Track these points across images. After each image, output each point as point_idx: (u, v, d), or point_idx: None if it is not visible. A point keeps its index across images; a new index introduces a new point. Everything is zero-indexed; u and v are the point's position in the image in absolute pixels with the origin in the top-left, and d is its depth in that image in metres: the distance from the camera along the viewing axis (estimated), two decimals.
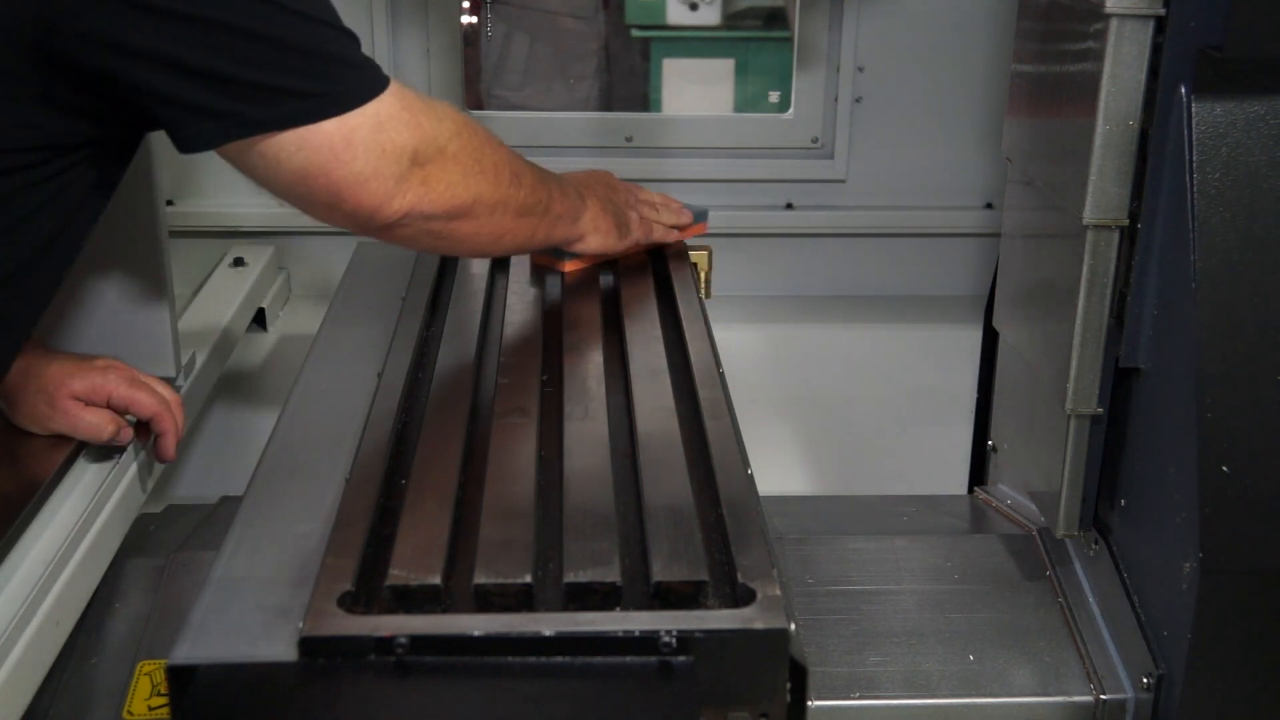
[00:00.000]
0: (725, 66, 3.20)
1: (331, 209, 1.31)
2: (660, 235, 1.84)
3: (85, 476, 1.58)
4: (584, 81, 3.83)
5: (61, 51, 1.18)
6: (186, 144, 1.26)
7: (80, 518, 1.52)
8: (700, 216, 1.91)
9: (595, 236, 1.70)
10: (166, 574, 1.64)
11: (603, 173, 1.83)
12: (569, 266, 1.78)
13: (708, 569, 1.11)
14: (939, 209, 2.58)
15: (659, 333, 1.60)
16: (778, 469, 2.45)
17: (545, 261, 1.81)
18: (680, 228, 1.88)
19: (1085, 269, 1.52)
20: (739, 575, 1.10)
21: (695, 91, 3.30)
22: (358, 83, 1.28)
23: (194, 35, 1.18)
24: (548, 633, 1.04)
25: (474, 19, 3.45)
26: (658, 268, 1.82)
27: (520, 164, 1.51)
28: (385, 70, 1.33)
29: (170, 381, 1.74)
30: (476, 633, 1.04)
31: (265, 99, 1.22)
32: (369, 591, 1.10)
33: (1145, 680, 1.51)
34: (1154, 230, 1.49)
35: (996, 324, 1.92)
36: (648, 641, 1.03)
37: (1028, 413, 1.79)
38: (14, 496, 1.47)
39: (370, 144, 1.27)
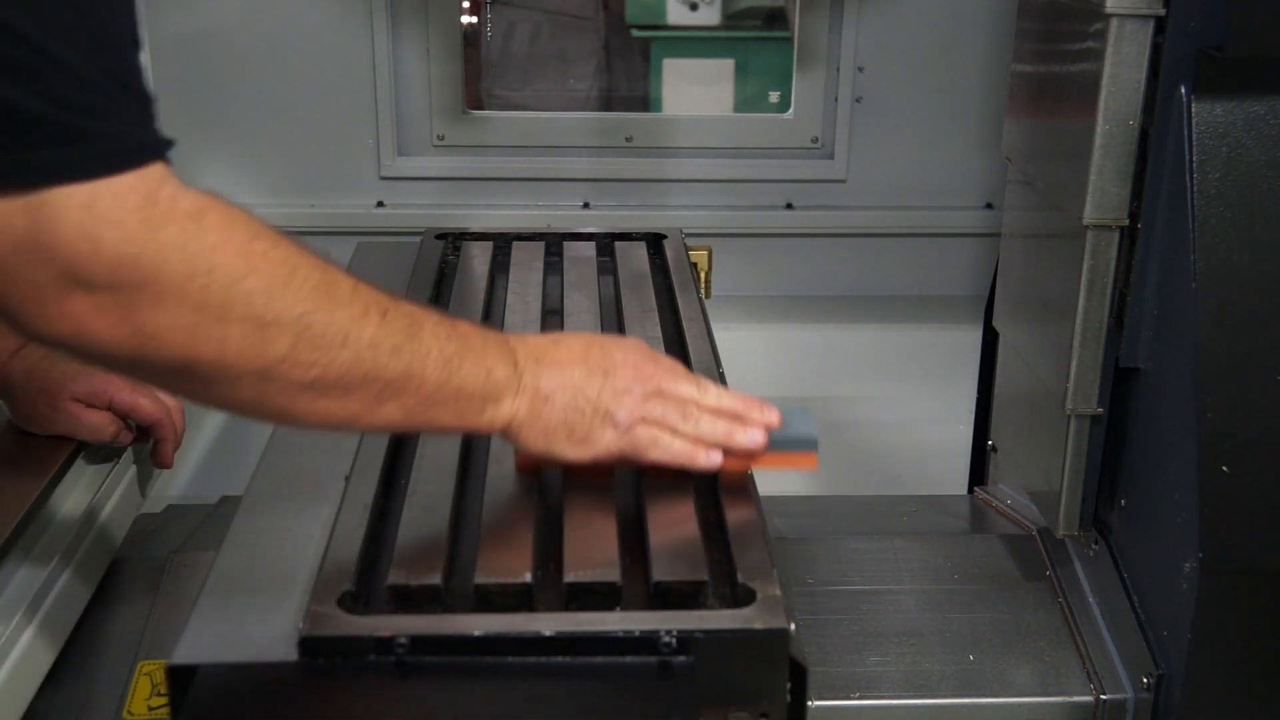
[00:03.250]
0: (725, 66, 3.20)
1: None
2: (671, 456, 1.23)
3: (85, 476, 1.58)
4: (584, 81, 3.83)
5: None
6: None
7: (80, 518, 1.52)
8: (804, 443, 1.29)
9: (525, 433, 1.19)
10: (166, 574, 1.64)
11: (623, 343, 1.26)
12: (519, 457, 1.27)
13: (708, 569, 1.12)
14: (939, 209, 2.59)
15: (659, 333, 1.60)
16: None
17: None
18: (739, 452, 1.25)
19: (1085, 269, 1.52)
20: (739, 575, 1.11)
21: (695, 91, 3.30)
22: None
23: None
24: (548, 633, 1.04)
25: (474, 19, 3.45)
26: (658, 268, 1.82)
27: (346, 322, 1.04)
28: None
29: None
30: (476, 633, 1.04)
31: None
32: (369, 591, 1.10)
33: (1145, 680, 1.51)
34: (1154, 230, 1.49)
35: (996, 324, 1.92)
36: (648, 641, 1.03)
37: (1028, 413, 1.79)
38: (14, 496, 1.47)
39: (21, 241, 0.90)
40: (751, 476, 1.28)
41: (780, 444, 1.27)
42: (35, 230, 0.90)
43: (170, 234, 0.94)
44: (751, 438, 1.25)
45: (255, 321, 0.98)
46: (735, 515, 1.20)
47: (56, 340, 0.95)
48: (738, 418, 1.26)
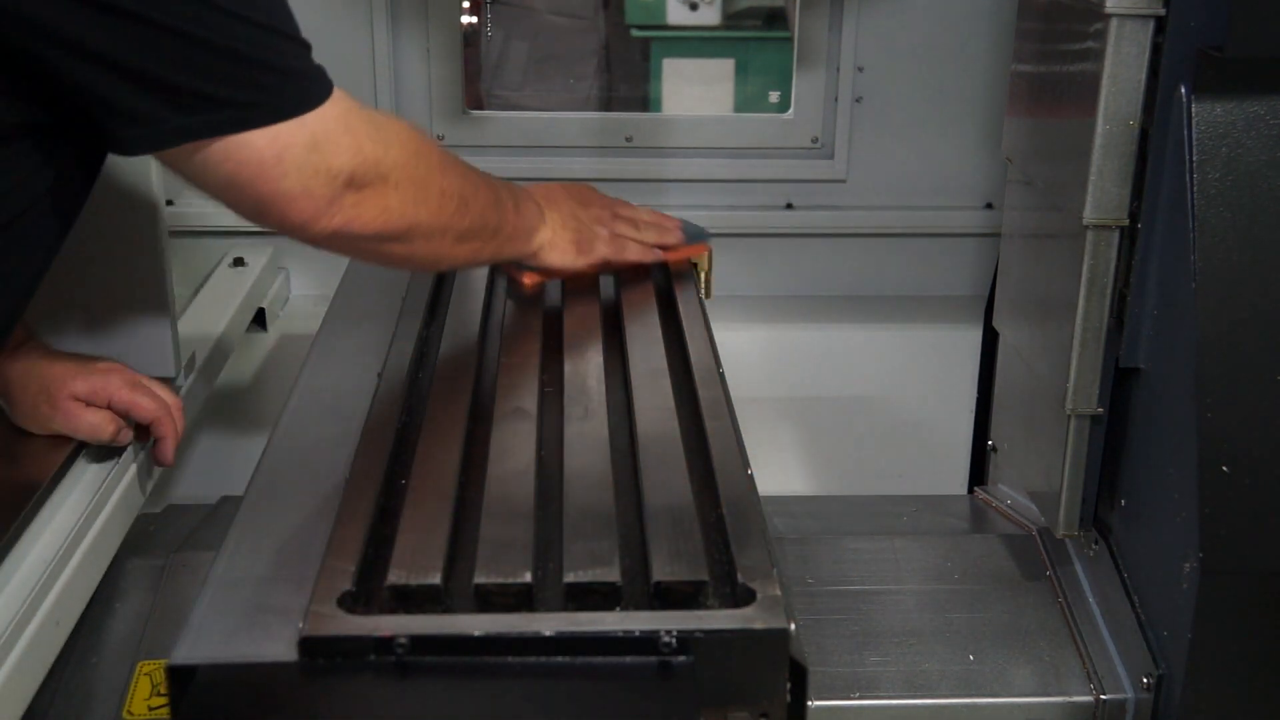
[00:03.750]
0: (725, 66, 3.20)
1: (258, 217, 1.26)
2: (636, 254, 1.74)
3: (85, 476, 1.58)
4: (584, 81, 3.82)
5: None
6: (116, 146, 1.22)
7: (80, 518, 1.52)
8: (696, 236, 1.82)
9: (551, 253, 1.64)
10: (166, 574, 1.65)
11: (581, 187, 1.78)
12: (527, 279, 1.70)
13: (708, 569, 1.11)
14: (939, 209, 2.59)
15: (659, 333, 1.60)
16: (778, 469, 2.45)
17: (507, 270, 1.75)
18: (666, 247, 1.78)
19: (1085, 269, 1.52)
20: (739, 575, 1.10)
21: (695, 91, 3.30)
22: (290, 93, 1.21)
23: (121, 31, 1.12)
24: (548, 633, 1.04)
25: (474, 19, 3.45)
26: (658, 268, 1.82)
27: (472, 187, 1.45)
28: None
29: (170, 381, 1.74)
30: (476, 633, 1.04)
31: (189, 105, 1.16)
32: (369, 591, 1.10)
33: (1145, 680, 1.51)
34: (1154, 230, 1.49)
35: (996, 324, 1.92)
36: (648, 641, 1.03)
37: (1028, 413, 1.79)
38: (14, 496, 1.47)
39: (303, 163, 1.22)
40: (751, 477, 1.28)
41: (688, 239, 1.81)
42: (314, 153, 1.21)
43: (389, 135, 1.30)
44: (675, 236, 1.79)
45: (454, 194, 1.40)
46: (735, 515, 1.20)
47: (329, 235, 1.27)
48: (661, 225, 1.79)
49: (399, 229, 1.34)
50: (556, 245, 1.64)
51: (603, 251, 1.70)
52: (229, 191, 1.23)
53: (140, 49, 1.13)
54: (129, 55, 1.13)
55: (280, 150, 1.20)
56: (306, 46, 1.25)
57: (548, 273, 1.69)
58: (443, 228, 1.40)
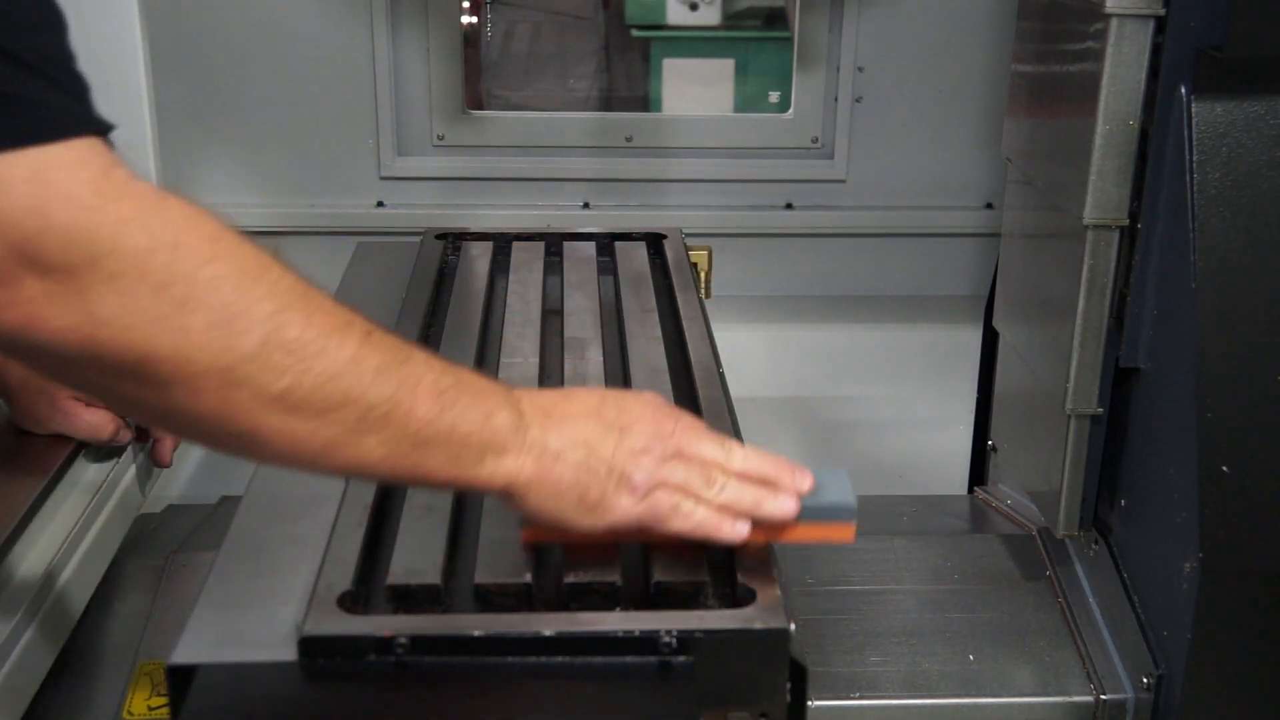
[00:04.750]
0: (725, 66, 3.20)
1: None
2: (696, 524, 1.08)
3: (85, 476, 1.58)
4: (584, 81, 3.82)
5: None
6: None
7: (80, 518, 1.52)
8: (841, 513, 1.15)
9: (532, 495, 1.06)
10: (166, 574, 1.64)
11: (641, 398, 1.13)
12: (524, 536, 1.13)
13: (708, 569, 1.11)
14: (939, 209, 2.59)
15: (659, 333, 1.60)
16: None
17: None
18: (768, 522, 1.11)
19: (1085, 269, 1.52)
20: (739, 575, 1.10)
21: (695, 91, 3.30)
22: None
23: None
24: (548, 633, 1.04)
25: (474, 19, 3.45)
26: (658, 268, 1.82)
27: (323, 333, 0.93)
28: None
29: None
30: (476, 633, 1.04)
31: None
32: (369, 591, 1.10)
33: (1145, 680, 1.51)
34: (1154, 230, 1.49)
35: (996, 324, 1.92)
36: (648, 641, 1.03)
37: (1028, 413, 1.79)
38: (14, 496, 1.47)
39: None
40: None
41: (814, 513, 1.12)
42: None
43: (129, 207, 0.87)
44: (783, 506, 1.10)
45: (222, 311, 0.88)
46: None
47: (4, 331, 0.86)
48: (767, 483, 1.11)
49: (123, 357, 0.88)
50: (539, 488, 1.05)
51: (628, 511, 1.07)
52: None
53: None
54: None
55: None
56: (50, 77, 0.87)
57: (547, 530, 1.11)
58: (224, 372, 0.89)
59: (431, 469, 1.01)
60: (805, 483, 1.13)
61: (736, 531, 1.09)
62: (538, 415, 1.06)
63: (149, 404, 0.92)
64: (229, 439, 0.95)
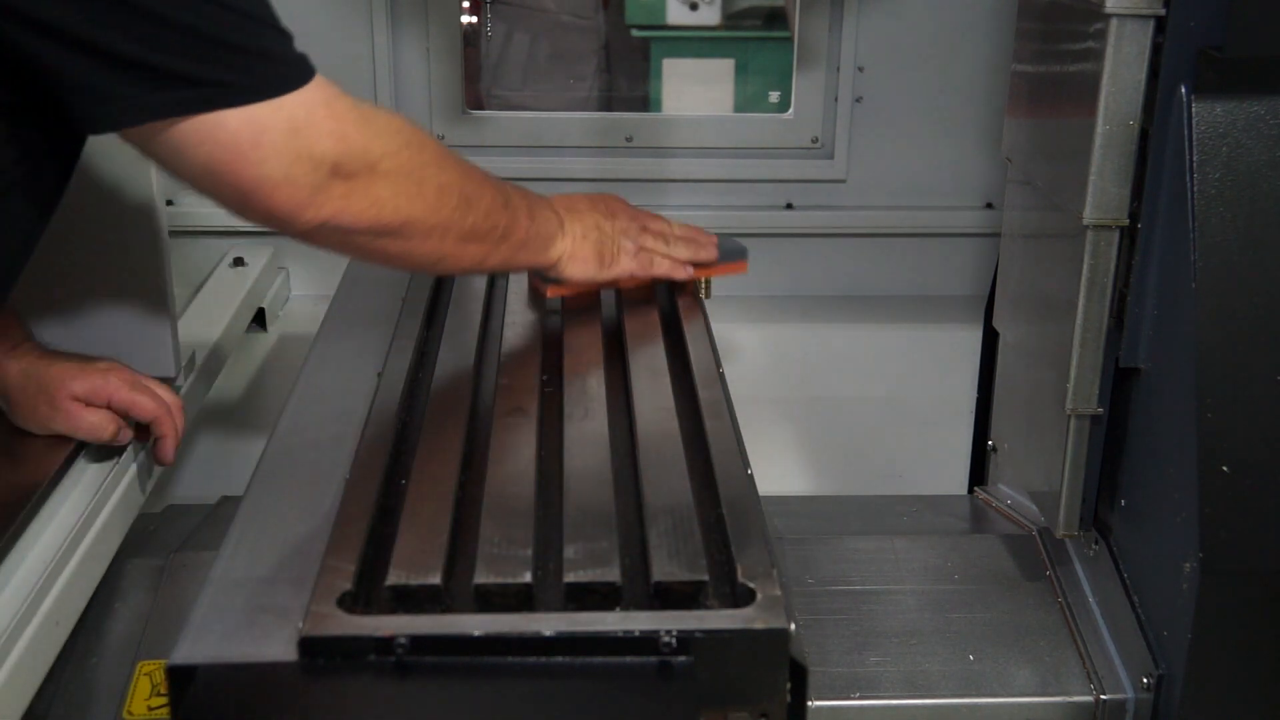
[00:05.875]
0: (725, 66, 3.20)
1: (242, 208, 1.22)
2: (665, 270, 1.67)
3: (85, 476, 1.58)
4: (584, 81, 3.82)
5: None
6: (83, 125, 1.18)
7: (80, 518, 1.52)
8: (733, 254, 1.75)
9: (571, 265, 1.58)
10: (166, 574, 1.64)
11: (609, 196, 1.69)
12: (550, 292, 1.66)
13: (708, 569, 1.11)
14: (939, 209, 2.59)
15: (659, 333, 1.60)
16: (778, 469, 2.45)
17: (532, 283, 1.73)
18: (700, 264, 1.71)
19: (1085, 269, 1.52)
20: (739, 575, 1.10)
21: (695, 91, 3.30)
22: (265, 75, 1.17)
23: (91, 9, 1.10)
24: (548, 633, 1.04)
25: (474, 19, 3.45)
26: None
27: (476, 186, 1.40)
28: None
29: (170, 381, 1.74)
30: (476, 633, 1.04)
31: (159, 83, 1.12)
32: (369, 591, 1.10)
33: (1145, 680, 1.51)
34: (1154, 230, 1.49)
35: (996, 324, 1.92)
36: (648, 641, 1.03)
37: (1028, 413, 1.79)
38: (14, 496, 1.47)
39: (283, 148, 1.18)
40: (751, 477, 1.28)
41: (726, 255, 1.73)
42: (295, 138, 1.18)
43: (382, 120, 1.29)
44: (709, 253, 1.72)
45: (440, 184, 1.34)
46: (735, 515, 1.20)
47: (318, 227, 1.23)
48: (695, 240, 1.72)
49: (392, 223, 1.29)
50: (577, 257, 1.58)
51: (628, 265, 1.64)
52: (209, 178, 1.19)
53: (110, 27, 1.10)
54: (99, 33, 1.10)
55: (257, 133, 1.16)
56: (285, 34, 1.21)
57: (570, 285, 1.64)
58: (442, 225, 1.35)
59: (523, 260, 1.54)
60: (714, 238, 1.74)
61: (686, 271, 1.70)
62: (565, 212, 1.59)
63: (391, 251, 1.33)
64: (434, 265, 1.46)
